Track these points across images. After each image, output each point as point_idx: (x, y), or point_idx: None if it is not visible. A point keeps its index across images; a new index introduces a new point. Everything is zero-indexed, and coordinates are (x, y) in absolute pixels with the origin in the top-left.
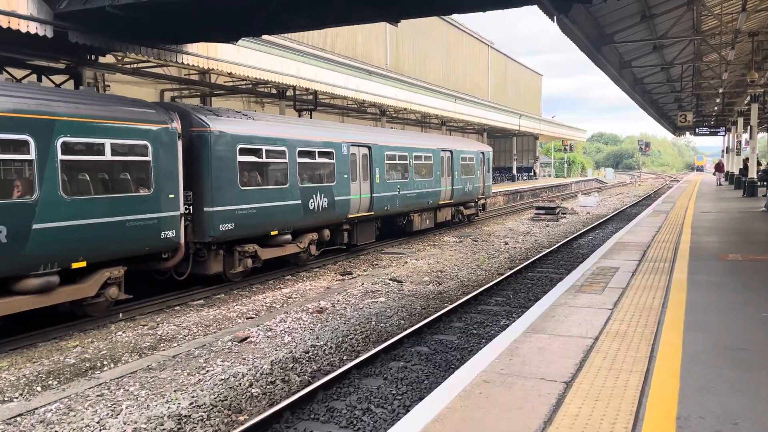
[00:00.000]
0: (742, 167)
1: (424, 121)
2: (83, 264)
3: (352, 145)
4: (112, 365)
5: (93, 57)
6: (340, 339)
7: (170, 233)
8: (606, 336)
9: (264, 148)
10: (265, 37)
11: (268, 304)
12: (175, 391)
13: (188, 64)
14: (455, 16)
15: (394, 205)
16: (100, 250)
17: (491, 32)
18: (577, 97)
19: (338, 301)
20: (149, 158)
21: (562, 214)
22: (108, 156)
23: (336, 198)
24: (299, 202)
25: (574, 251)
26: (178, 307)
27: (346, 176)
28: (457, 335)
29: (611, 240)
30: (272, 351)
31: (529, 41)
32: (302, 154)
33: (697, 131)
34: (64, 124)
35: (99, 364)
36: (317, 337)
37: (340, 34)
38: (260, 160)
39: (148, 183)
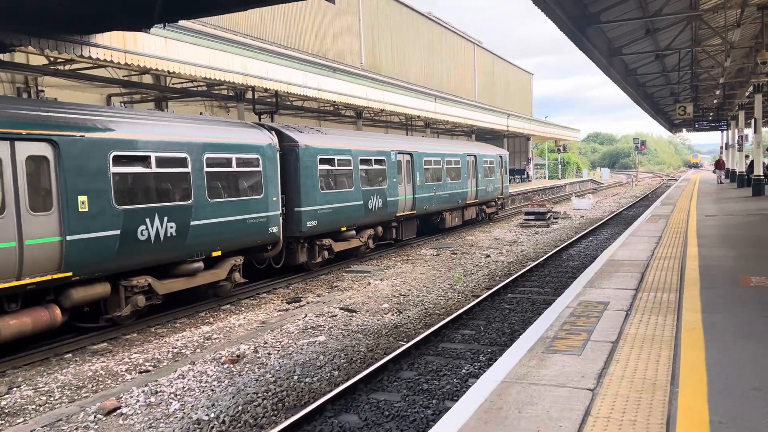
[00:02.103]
0: (749, 164)
1: (408, 124)
2: (219, 253)
3: (398, 153)
4: None
5: None
6: (242, 407)
7: (274, 229)
8: None
9: (336, 157)
10: (205, 29)
11: (177, 350)
12: None
13: (98, 59)
14: (439, 14)
15: (431, 205)
16: (230, 242)
17: (484, 35)
18: (571, 98)
19: (265, 343)
20: (260, 168)
21: (554, 218)
22: (234, 167)
23: (388, 199)
24: (361, 202)
25: (563, 263)
26: (68, 355)
27: (394, 180)
28: (402, 392)
29: (602, 256)
30: (142, 431)
31: (522, 44)
32: (362, 161)
33: (696, 126)
34: (210, 144)
35: None
36: (213, 404)
37: (306, 31)
38: (333, 168)
39: (260, 188)
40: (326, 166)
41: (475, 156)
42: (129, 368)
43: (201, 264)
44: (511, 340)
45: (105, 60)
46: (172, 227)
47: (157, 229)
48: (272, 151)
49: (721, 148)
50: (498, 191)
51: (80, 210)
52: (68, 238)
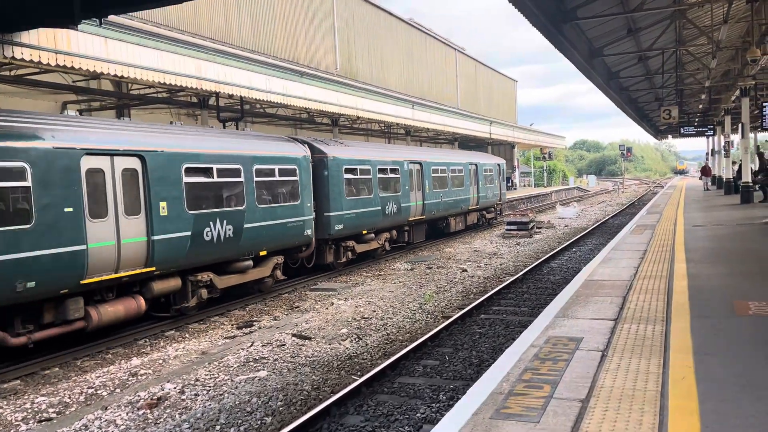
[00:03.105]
0: (737, 170)
1: (389, 132)
2: (264, 252)
3: (410, 162)
4: None
5: None
6: None
7: (308, 231)
8: None
9: (358, 167)
10: (159, 30)
11: (93, 389)
12: None
13: (23, 60)
14: (419, 19)
15: (439, 210)
16: (274, 242)
17: (470, 45)
18: (559, 106)
19: (196, 380)
20: (297, 178)
21: (537, 228)
22: (277, 177)
23: (402, 204)
24: (380, 208)
25: (543, 278)
26: None
27: (407, 187)
28: None
29: (580, 276)
30: None
31: (509, 53)
32: (380, 171)
33: (682, 131)
34: (257, 156)
35: None
36: None
37: (276, 35)
38: (356, 176)
39: (297, 195)
40: (350, 175)
41: (476, 165)
42: (28, 416)
43: (251, 262)
44: (477, 373)
45: (32, 61)
46: (230, 229)
47: (219, 231)
48: (306, 162)
49: (707, 154)
50: (497, 198)
51: (161, 214)
52: (153, 238)
